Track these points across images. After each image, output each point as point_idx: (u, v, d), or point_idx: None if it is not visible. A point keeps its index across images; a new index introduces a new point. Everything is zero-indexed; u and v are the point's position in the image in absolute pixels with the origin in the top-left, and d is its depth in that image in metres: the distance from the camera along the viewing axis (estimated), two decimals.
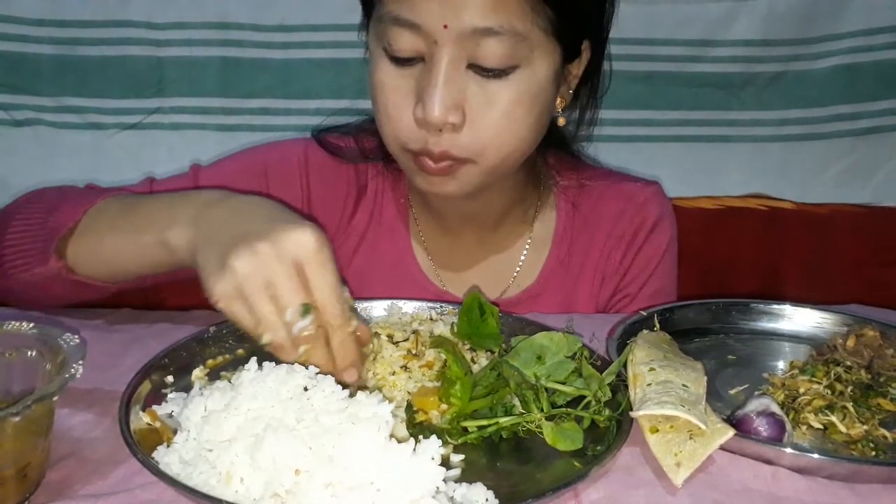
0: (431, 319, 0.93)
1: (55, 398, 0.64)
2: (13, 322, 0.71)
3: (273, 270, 0.74)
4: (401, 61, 0.94)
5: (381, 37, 0.94)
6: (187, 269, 0.83)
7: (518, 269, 1.17)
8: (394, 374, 0.82)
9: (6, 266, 0.96)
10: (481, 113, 0.93)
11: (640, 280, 1.17)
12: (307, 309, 0.74)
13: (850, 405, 0.79)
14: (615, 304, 1.18)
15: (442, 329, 0.89)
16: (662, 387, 0.74)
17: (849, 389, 0.82)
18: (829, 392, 0.82)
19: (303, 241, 0.75)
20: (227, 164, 1.14)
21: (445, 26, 0.89)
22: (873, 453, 0.75)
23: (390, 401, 0.71)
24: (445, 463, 0.69)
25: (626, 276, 1.17)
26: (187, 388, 0.79)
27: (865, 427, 0.77)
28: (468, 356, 0.85)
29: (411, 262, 1.16)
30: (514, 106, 0.94)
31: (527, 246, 1.17)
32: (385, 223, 1.17)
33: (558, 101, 1.02)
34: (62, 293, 0.97)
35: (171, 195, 0.93)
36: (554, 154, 1.16)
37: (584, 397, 0.77)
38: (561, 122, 1.05)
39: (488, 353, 0.87)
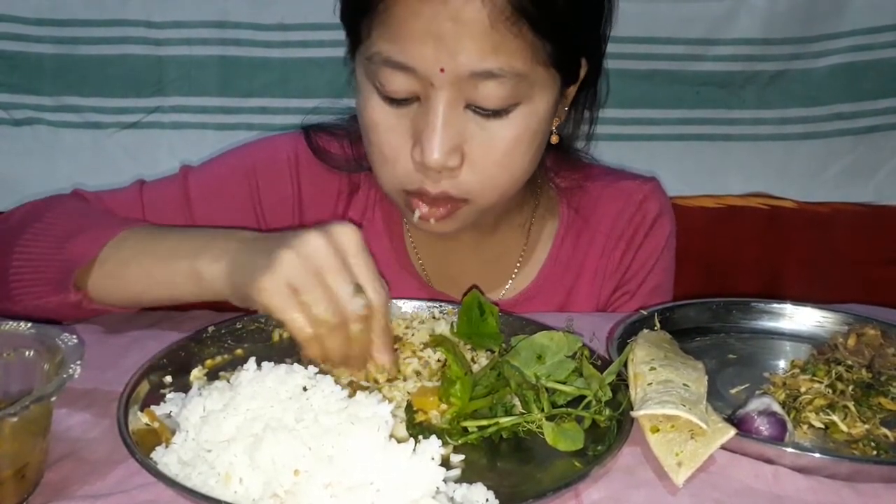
0: (434, 318, 0.93)
1: (53, 398, 0.64)
2: (11, 322, 0.71)
3: (323, 258, 0.76)
4: (395, 101, 0.90)
5: (371, 75, 0.90)
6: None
7: (515, 272, 1.16)
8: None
9: (16, 293, 0.93)
10: (481, 154, 0.90)
11: (639, 277, 1.16)
12: (359, 289, 0.77)
13: (851, 404, 0.79)
14: (614, 302, 1.17)
15: (443, 328, 0.89)
16: (663, 386, 0.74)
17: (850, 388, 0.82)
18: (830, 391, 0.81)
19: (348, 233, 0.78)
20: (217, 163, 1.13)
21: (442, 70, 0.85)
22: (874, 452, 0.74)
23: (390, 401, 0.71)
24: (445, 463, 0.69)
25: (626, 273, 1.16)
26: (186, 389, 0.78)
27: (867, 426, 0.77)
28: (468, 356, 0.85)
29: (406, 265, 1.14)
30: (514, 145, 0.91)
31: (524, 249, 1.16)
32: (378, 224, 1.14)
33: (555, 120, 0.99)
34: (75, 316, 0.96)
35: (199, 229, 0.92)
36: (550, 156, 1.14)
37: (584, 397, 0.77)
38: (554, 139, 1.01)
39: (488, 352, 0.86)
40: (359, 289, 0.77)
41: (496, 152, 0.91)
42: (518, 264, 1.16)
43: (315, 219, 1.09)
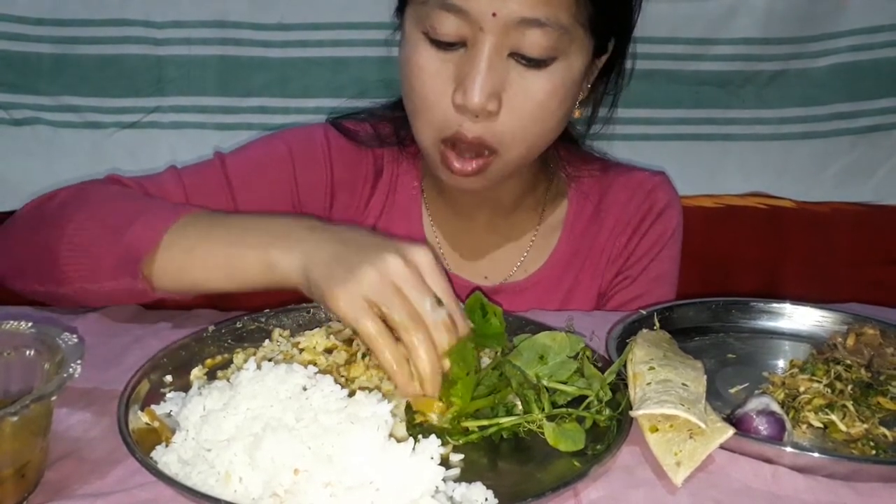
0: None
1: (53, 398, 0.64)
2: (11, 322, 0.71)
3: (402, 275, 0.77)
4: (442, 45, 0.94)
5: (423, 20, 0.94)
6: None
7: (526, 253, 1.20)
8: None
9: (69, 277, 0.90)
10: (517, 102, 0.95)
11: (643, 262, 1.19)
12: (440, 302, 0.78)
13: (850, 404, 0.79)
14: (616, 286, 1.20)
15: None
16: (662, 386, 0.74)
17: (849, 388, 0.82)
18: (829, 391, 0.82)
19: (422, 254, 0.80)
20: (252, 149, 1.15)
21: (494, 14, 0.90)
22: (873, 452, 0.74)
23: (389, 400, 0.71)
24: (445, 462, 0.69)
25: (630, 258, 1.19)
26: (186, 388, 0.78)
27: (865, 426, 0.77)
28: None
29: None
30: (550, 97, 0.96)
31: (536, 232, 1.20)
32: (398, 207, 1.19)
33: (580, 94, 1.03)
34: (126, 301, 0.95)
35: (259, 216, 0.92)
36: (565, 147, 1.18)
37: (585, 397, 0.77)
38: (577, 114, 1.06)
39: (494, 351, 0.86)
40: (439, 302, 0.78)
41: (532, 102, 0.95)
42: (530, 247, 1.20)
43: (344, 202, 1.15)
